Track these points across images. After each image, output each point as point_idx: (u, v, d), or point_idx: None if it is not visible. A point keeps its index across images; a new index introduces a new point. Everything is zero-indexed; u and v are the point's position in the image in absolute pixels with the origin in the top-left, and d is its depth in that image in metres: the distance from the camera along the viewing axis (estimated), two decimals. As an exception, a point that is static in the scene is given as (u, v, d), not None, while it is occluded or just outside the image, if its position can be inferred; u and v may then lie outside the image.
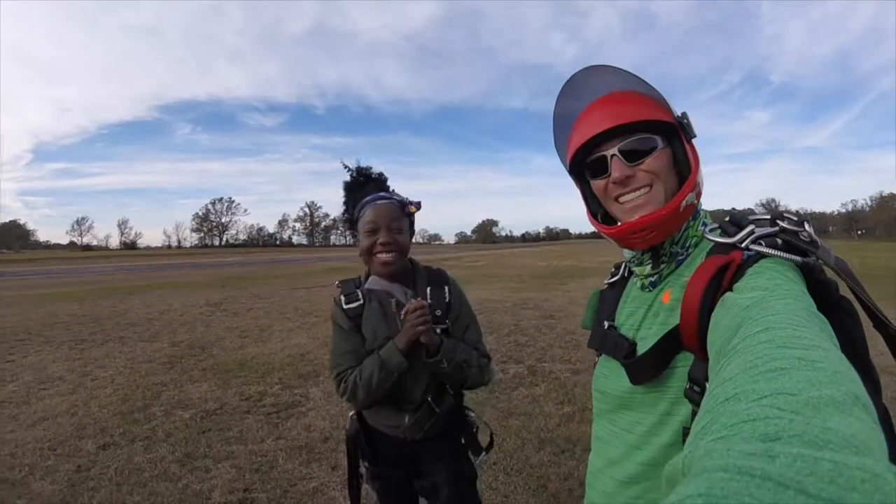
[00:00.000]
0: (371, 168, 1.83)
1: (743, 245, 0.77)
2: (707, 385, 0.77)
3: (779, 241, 0.75)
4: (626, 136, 0.95)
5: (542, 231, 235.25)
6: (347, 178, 1.83)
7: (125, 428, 4.25)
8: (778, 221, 0.76)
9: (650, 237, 0.95)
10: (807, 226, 0.75)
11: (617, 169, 0.95)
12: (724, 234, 0.82)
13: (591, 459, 1.09)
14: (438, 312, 1.75)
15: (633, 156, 0.95)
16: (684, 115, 0.96)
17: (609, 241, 1.04)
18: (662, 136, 0.96)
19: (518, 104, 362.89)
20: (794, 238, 0.74)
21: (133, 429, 4.24)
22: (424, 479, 1.82)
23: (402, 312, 1.65)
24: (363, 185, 1.80)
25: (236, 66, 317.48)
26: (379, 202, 1.71)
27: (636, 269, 1.05)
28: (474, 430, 1.91)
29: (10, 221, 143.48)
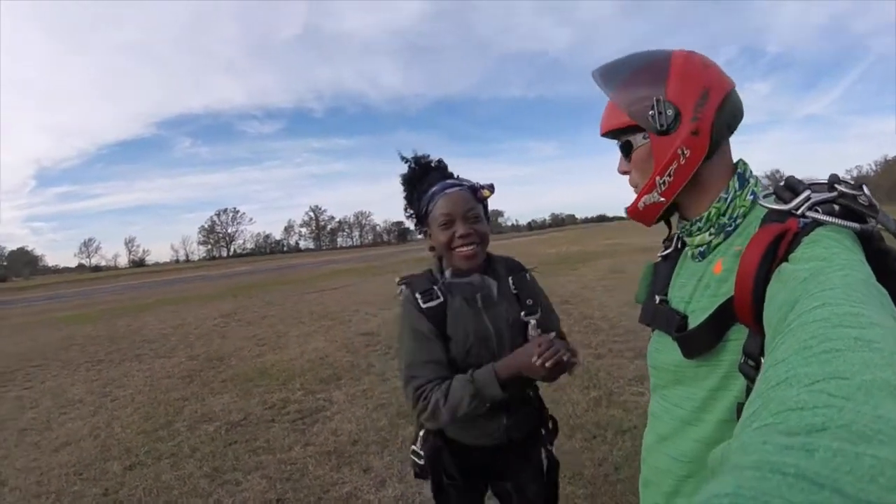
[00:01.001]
0: (429, 156, 1.65)
1: (799, 212, 0.72)
2: (762, 362, 0.71)
3: (836, 207, 0.71)
4: (614, 137, 1.02)
5: (547, 218, 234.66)
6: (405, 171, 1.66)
7: (150, 446, 4.21)
8: (836, 186, 0.72)
9: (641, 223, 1.04)
10: (865, 189, 0.70)
11: (618, 164, 1.04)
12: (779, 200, 0.77)
13: (645, 435, 1.10)
14: (530, 301, 1.60)
15: (625, 153, 1.01)
16: (654, 105, 0.89)
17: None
18: (644, 132, 0.95)
19: (516, 93, 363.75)
20: (853, 202, 0.69)
21: (158, 446, 4.19)
22: (507, 482, 1.69)
23: (537, 349, 1.38)
24: (423, 175, 1.62)
25: (230, 75, 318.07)
26: (449, 190, 1.53)
27: (688, 240, 1.02)
28: (550, 420, 1.75)
29: (18, 249, 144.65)
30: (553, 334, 1.47)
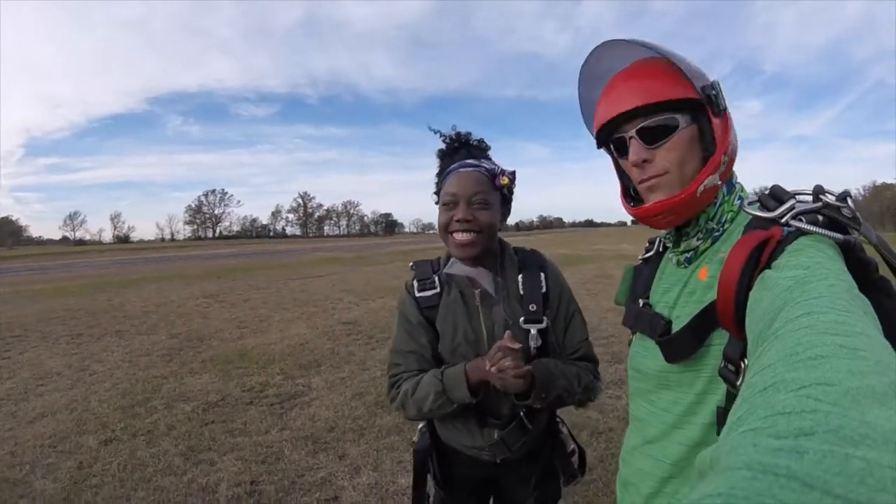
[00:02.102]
0: (471, 134, 1.49)
1: (783, 220, 0.74)
2: (744, 367, 0.75)
3: (820, 217, 0.73)
4: (646, 116, 0.91)
5: (535, 220, 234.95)
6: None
7: (126, 422, 4.20)
8: (821, 197, 0.73)
9: (668, 220, 0.94)
10: (849, 201, 0.71)
11: (634, 152, 0.92)
12: (764, 208, 0.79)
13: (628, 437, 1.09)
14: (533, 307, 1.41)
15: (652, 137, 0.91)
16: (714, 84, 0.89)
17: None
18: (687, 113, 0.90)
19: (510, 93, 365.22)
20: (837, 214, 0.71)
21: (134, 423, 4.18)
22: None
23: (493, 350, 1.27)
24: (456, 151, 1.46)
25: (227, 56, 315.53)
26: (462, 170, 1.38)
27: (671, 246, 1.02)
28: (569, 450, 1.57)
29: (3, 218, 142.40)
30: (518, 346, 1.26)
